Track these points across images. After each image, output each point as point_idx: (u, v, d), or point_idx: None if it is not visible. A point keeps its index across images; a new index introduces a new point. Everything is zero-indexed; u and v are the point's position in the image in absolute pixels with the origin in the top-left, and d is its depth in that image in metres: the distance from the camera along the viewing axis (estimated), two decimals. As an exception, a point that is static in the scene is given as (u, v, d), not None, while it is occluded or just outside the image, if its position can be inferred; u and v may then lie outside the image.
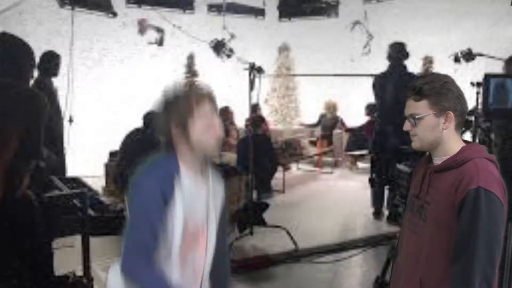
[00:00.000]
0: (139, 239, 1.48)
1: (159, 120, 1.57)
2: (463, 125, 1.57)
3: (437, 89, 1.48)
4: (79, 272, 2.78)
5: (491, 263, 1.38)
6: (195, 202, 1.58)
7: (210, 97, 1.56)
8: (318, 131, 8.89)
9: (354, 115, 8.42)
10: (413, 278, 1.53)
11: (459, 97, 1.50)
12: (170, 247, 1.52)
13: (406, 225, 1.65)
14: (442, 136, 1.51)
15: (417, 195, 1.59)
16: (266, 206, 4.66)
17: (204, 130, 1.53)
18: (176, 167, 1.54)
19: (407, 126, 1.55)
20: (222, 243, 1.76)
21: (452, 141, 1.52)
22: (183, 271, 1.58)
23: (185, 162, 1.56)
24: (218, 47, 6.52)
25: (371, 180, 5.15)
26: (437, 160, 1.55)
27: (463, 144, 1.53)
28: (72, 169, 5.11)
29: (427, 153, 1.62)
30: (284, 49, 9.77)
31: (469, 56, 5.11)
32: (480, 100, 3.54)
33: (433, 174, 1.54)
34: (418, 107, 1.51)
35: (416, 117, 1.51)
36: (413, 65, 5.65)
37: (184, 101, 1.52)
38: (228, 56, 6.61)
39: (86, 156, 6.30)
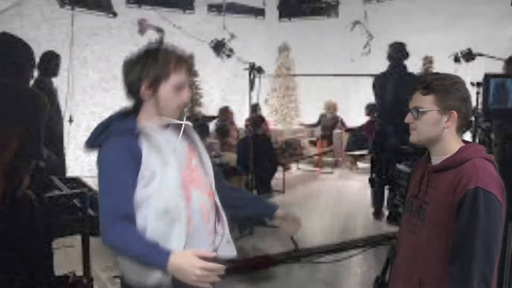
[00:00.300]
0: (112, 204, 1.47)
1: (130, 78, 1.54)
2: (465, 127, 1.57)
3: (446, 86, 1.48)
4: (79, 272, 2.78)
5: (489, 263, 1.38)
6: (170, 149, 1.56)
7: (187, 64, 1.58)
8: (318, 131, 8.89)
9: (354, 115, 8.43)
10: (412, 278, 1.53)
11: (466, 99, 1.50)
12: (173, 186, 1.51)
13: (404, 226, 1.65)
14: (442, 134, 1.51)
15: (416, 195, 1.59)
16: (266, 206, 4.65)
17: (173, 95, 1.54)
18: (136, 124, 1.54)
19: (408, 118, 1.55)
20: (219, 179, 1.76)
21: (452, 141, 1.52)
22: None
23: (148, 119, 1.56)
24: (218, 47, 6.52)
25: (371, 180, 5.15)
26: (436, 160, 1.55)
27: (463, 145, 1.53)
28: (72, 169, 5.11)
29: (426, 153, 1.63)
30: (284, 49, 9.77)
31: (469, 56, 5.12)
32: (480, 100, 3.55)
33: (431, 174, 1.54)
34: (424, 101, 1.50)
35: (420, 110, 1.51)
36: (413, 65, 5.66)
37: (162, 64, 1.51)
38: (228, 56, 6.61)
39: (86, 156, 6.29)
